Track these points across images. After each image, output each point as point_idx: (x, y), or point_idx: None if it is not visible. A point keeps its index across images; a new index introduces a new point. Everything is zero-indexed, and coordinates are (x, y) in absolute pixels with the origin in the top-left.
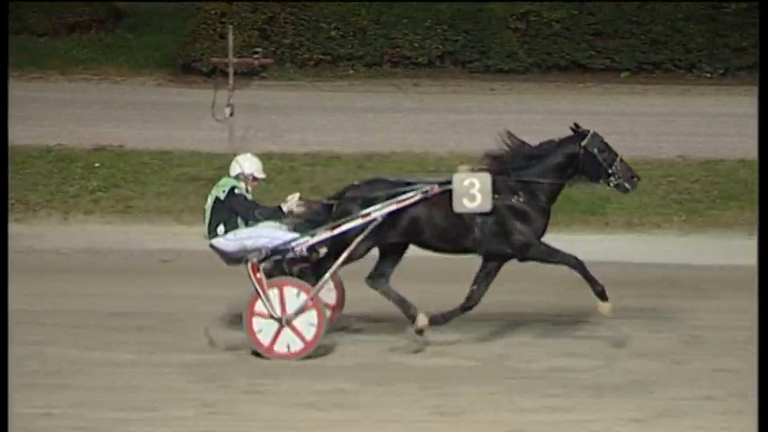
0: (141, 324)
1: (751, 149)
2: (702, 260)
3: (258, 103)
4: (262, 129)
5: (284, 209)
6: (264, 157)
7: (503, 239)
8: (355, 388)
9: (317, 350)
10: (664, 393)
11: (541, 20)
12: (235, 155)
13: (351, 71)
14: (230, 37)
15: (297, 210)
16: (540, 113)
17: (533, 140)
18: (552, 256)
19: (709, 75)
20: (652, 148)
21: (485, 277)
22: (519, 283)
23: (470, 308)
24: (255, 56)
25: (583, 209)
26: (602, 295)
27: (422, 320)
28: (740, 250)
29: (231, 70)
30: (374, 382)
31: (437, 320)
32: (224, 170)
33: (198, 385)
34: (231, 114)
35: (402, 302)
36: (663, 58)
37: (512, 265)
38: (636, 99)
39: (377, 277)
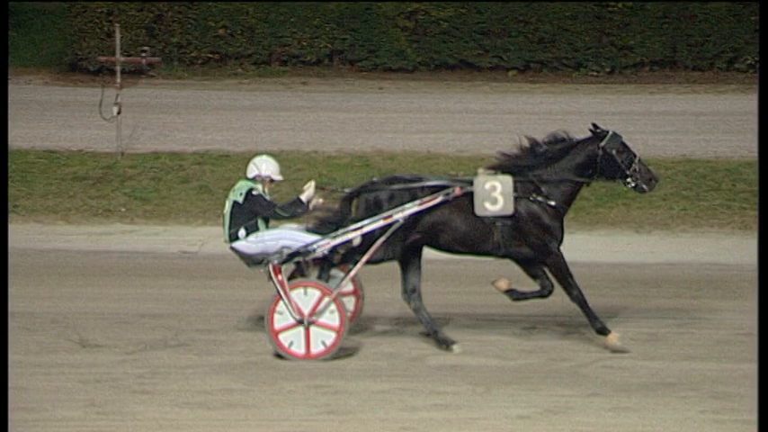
0: (28, 325)
1: (637, 146)
2: (587, 257)
3: (146, 102)
4: (150, 127)
5: (303, 198)
6: (153, 157)
7: (521, 242)
8: (244, 387)
9: (206, 348)
10: (552, 390)
11: (429, 18)
12: (123, 153)
13: (239, 70)
14: (117, 35)
15: (314, 202)
16: (429, 112)
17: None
18: (567, 278)
19: (595, 73)
20: None
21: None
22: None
23: (548, 295)
24: (143, 54)
25: None
26: (604, 332)
27: (457, 349)
28: (627, 248)
29: (119, 69)
30: (263, 381)
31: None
32: (112, 169)
33: (86, 385)
34: (119, 113)
35: (430, 324)
36: (550, 57)
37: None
38: (524, 97)
39: (410, 293)
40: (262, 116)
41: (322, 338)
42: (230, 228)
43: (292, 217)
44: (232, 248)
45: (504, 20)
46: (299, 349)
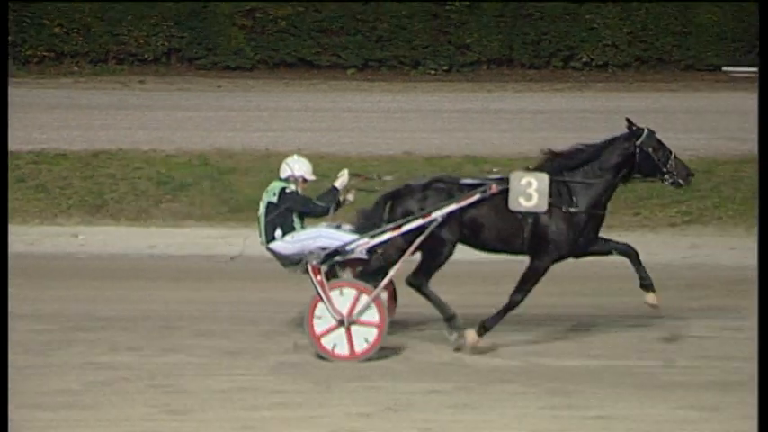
0: None
1: (476, 145)
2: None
3: None
4: None
5: (337, 185)
6: None
7: (548, 242)
8: (82, 388)
9: (46, 350)
10: (392, 387)
11: (267, 17)
12: None
13: (75, 68)
14: None
15: (349, 196)
16: (268, 110)
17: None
18: (528, 283)
19: (433, 71)
20: (379, 145)
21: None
22: (238, 281)
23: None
24: None
25: None
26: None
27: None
28: None
29: None
30: (101, 381)
31: None
32: None
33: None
34: None
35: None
36: (388, 55)
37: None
38: (362, 96)
39: (419, 276)
40: (99, 115)
41: (364, 336)
42: (266, 229)
43: (332, 205)
44: (268, 249)
45: (342, 18)
46: (343, 351)
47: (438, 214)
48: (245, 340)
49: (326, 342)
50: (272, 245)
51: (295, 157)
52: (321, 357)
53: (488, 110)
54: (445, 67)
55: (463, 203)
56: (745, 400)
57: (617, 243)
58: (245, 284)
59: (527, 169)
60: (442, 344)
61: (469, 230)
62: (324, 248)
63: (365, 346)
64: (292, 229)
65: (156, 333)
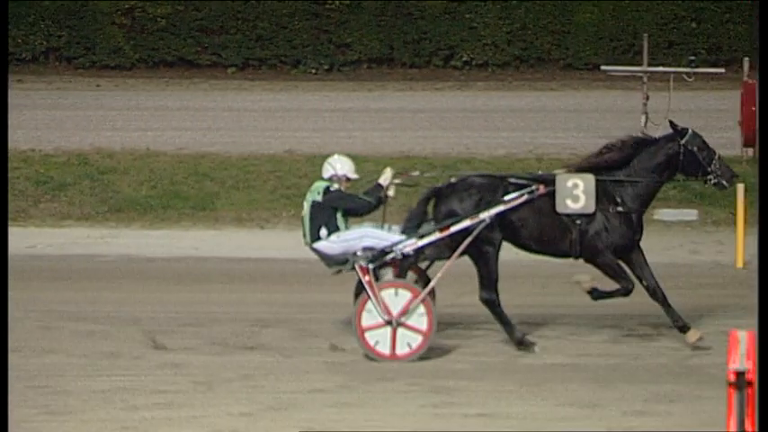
0: None
1: (357, 144)
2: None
3: None
4: None
5: (381, 182)
6: None
7: (599, 242)
8: None
9: None
10: (274, 386)
11: (147, 16)
12: None
13: None
14: None
15: (390, 192)
16: (149, 109)
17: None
18: (616, 273)
19: (314, 70)
20: (260, 144)
21: (641, 268)
22: (119, 281)
23: (663, 295)
24: None
25: (192, 204)
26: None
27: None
28: None
29: None
30: None
31: None
32: None
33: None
34: None
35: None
36: (269, 54)
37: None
38: (243, 94)
39: (487, 290)
40: None
41: (408, 340)
42: (311, 228)
43: (379, 201)
44: (313, 249)
45: (222, 17)
46: (384, 349)
47: (486, 215)
48: (127, 341)
49: (370, 337)
50: (317, 245)
51: (337, 156)
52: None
53: (369, 109)
54: (326, 67)
55: (511, 204)
56: (625, 396)
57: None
58: (126, 284)
59: (570, 170)
60: (323, 343)
61: (512, 231)
62: (369, 248)
63: (407, 350)
64: (337, 228)
65: (35, 334)
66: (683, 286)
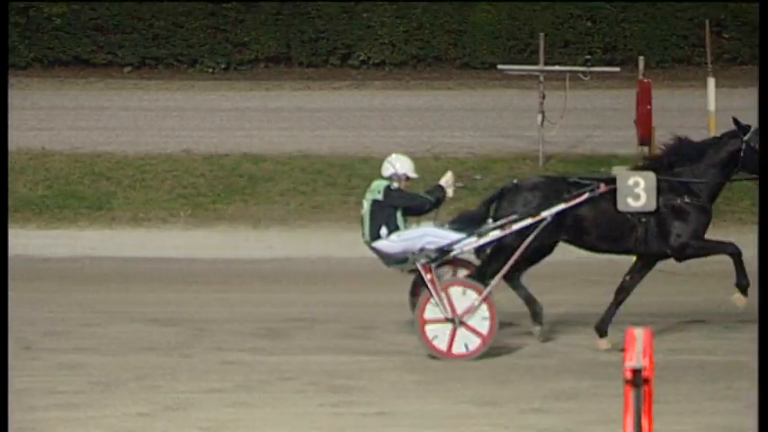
0: None
1: (255, 144)
2: (208, 254)
3: None
4: None
5: (442, 183)
6: None
7: (663, 239)
8: None
9: None
10: (172, 387)
11: (41, 14)
12: None
13: None
14: None
15: (449, 192)
16: (44, 109)
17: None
18: (711, 249)
19: (210, 69)
20: (157, 143)
21: (639, 270)
22: (17, 282)
23: (622, 301)
24: None
25: (88, 204)
26: (743, 290)
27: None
28: (245, 243)
29: None
30: None
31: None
32: None
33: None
34: None
35: (531, 302)
36: (165, 53)
37: None
38: (139, 94)
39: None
40: None
41: (466, 341)
42: (371, 227)
43: (438, 201)
44: (372, 248)
45: (117, 16)
46: (441, 345)
47: (547, 213)
48: (23, 341)
49: (430, 330)
50: (377, 243)
51: (397, 155)
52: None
53: (267, 108)
54: (223, 66)
55: (572, 203)
56: (524, 394)
57: None
58: (21, 285)
59: (634, 168)
60: (223, 342)
61: (574, 230)
62: (429, 247)
63: (463, 350)
64: (397, 227)
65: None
66: (579, 282)
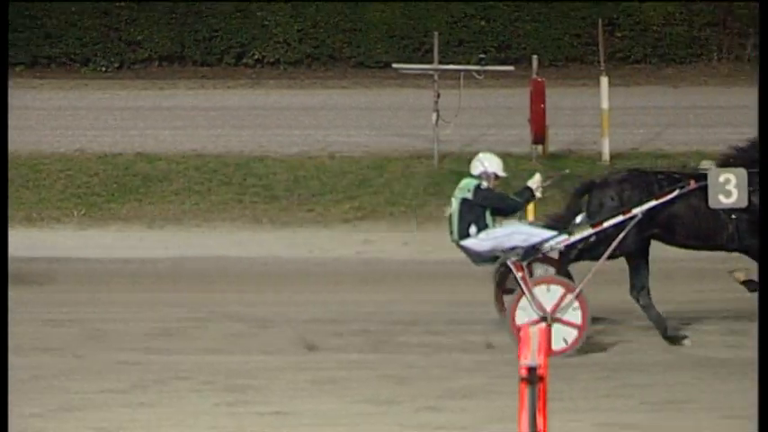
0: None
1: (149, 143)
2: (102, 253)
3: None
4: None
5: (531, 185)
6: None
7: (754, 236)
8: None
9: None
10: (66, 387)
11: None
12: None
13: None
14: None
15: (537, 193)
16: None
17: None
18: None
19: (104, 69)
20: (50, 142)
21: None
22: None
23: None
24: None
25: None
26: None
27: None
28: (139, 243)
29: None
30: None
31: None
32: None
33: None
34: None
35: (659, 321)
36: (58, 52)
37: None
38: (32, 93)
39: (640, 290)
40: None
41: (564, 335)
42: (459, 225)
43: (526, 203)
44: (461, 246)
45: (9, 14)
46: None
47: (638, 210)
48: None
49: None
50: (465, 242)
51: (488, 154)
52: None
53: (161, 107)
54: (116, 65)
55: (663, 200)
56: (420, 393)
57: None
58: None
59: (720, 164)
60: (117, 342)
61: (665, 227)
62: (520, 245)
63: (562, 345)
64: (486, 226)
65: None
66: (473, 283)
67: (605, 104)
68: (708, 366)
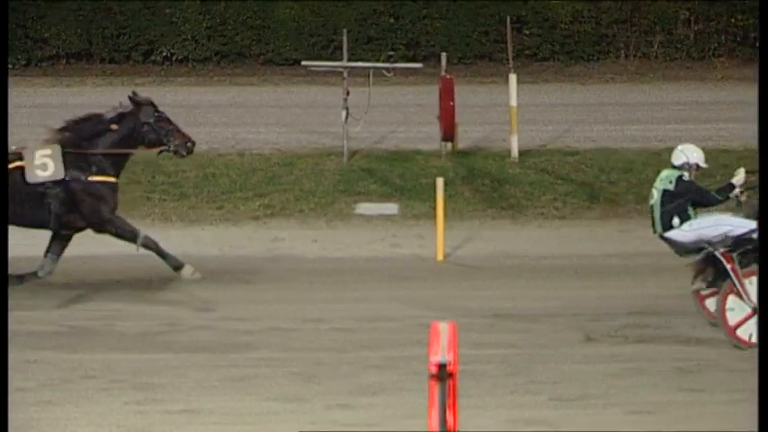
0: None
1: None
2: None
3: None
4: None
5: (734, 182)
6: None
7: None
8: None
9: None
10: None
11: None
12: None
13: None
14: None
15: (737, 191)
16: None
17: None
18: None
19: (11, 66)
20: None
21: None
22: None
23: None
24: None
25: None
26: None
27: None
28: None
29: None
30: None
31: None
32: None
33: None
34: None
35: None
36: None
37: None
38: None
39: None
40: None
41: (752, 332)
42: (662, 217)
43: (726, 200)
44: (664, 238)
45: None
46: (744, 335)
47: None
48: None
49: (743, 333)
50: (669, 234)
51: (690, 145)
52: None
53: (68, 104)
54: (23, 62)
55: None
56: (330, 390)
57: None
58: None
59: None
60: (25, 340)
61: None
62: (724, 236)
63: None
64: (688, 217)
65: None
66: (383, 279)
67: (514, 102)
68: (616, 362)
